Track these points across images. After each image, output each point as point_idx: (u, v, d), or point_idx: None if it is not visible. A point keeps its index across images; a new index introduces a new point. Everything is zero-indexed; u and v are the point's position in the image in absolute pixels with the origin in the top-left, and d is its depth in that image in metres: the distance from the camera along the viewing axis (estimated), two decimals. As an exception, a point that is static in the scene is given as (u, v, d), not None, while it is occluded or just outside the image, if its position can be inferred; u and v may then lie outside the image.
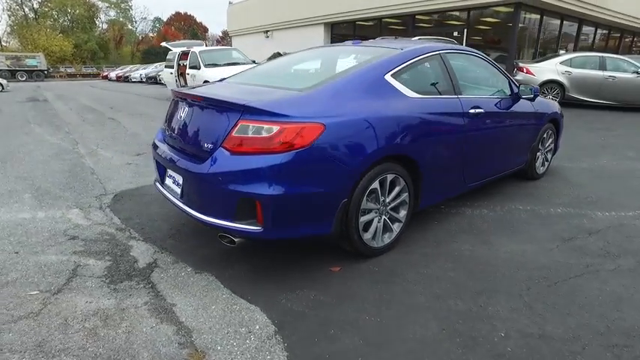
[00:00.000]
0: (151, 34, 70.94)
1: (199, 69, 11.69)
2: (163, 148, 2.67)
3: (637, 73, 9.90)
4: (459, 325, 1.99)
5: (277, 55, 13.49)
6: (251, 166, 2.06)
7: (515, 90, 3.67)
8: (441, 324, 1.99)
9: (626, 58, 10.70)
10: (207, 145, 2.22)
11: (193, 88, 2.96)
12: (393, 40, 3.89)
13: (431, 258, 2.68)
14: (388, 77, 2.60)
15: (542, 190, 4.14)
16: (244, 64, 12.15)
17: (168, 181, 2.62)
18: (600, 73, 10.10)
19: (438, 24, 17.88)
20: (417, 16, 17.87)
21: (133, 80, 28.48)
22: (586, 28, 19.33)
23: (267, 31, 25.19)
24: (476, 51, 3.56)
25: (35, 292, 2.23)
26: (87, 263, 2.56)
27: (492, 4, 14.99)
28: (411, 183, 2.68)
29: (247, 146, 2.10)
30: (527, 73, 11.06)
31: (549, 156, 4.55)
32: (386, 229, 2.65)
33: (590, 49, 19.11)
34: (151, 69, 27.05)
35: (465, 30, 15.73)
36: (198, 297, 2.20)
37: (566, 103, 10.01)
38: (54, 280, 2.35)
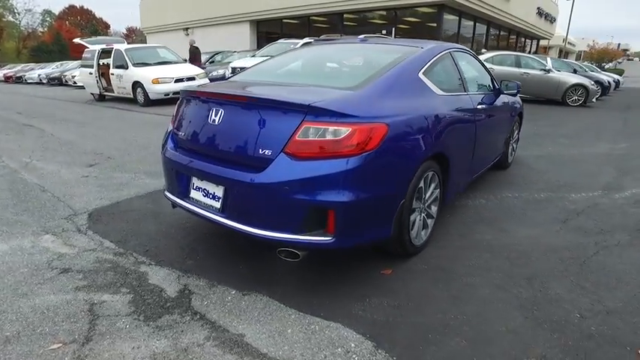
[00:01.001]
0: (40, 30, 62.62)
1: (127, 68, 10.62)
2: (184, 156, 2.32)
3: (544, 70, 11.30)
4: (536, 312, 2.05)
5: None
6: (322, 172, 1.89)
7: (497, 86, 3.91)
8: (521, 313, 2.03)
9: (535, 57, 12.17)
10: (264, 152, 1.97)
11: (218, 86, 2.62)
12: (348, 38, 3.92)
13: (466, 251, 2.72)
14: (421, 75, 2.58)
15: (517, 177, 4.49)
16: (176, 63, 11.34)
17: (195, 194, 2.28)
18: (517, 69, 11.34)
19: (364, 23, 18.53)
20: (345, 15, 18.30)
21: (28, 81, 24.82)
22: (492, 30, 21.61)
23: (187, 29, 23.82)
24: (468, 49, 3.72)
25: (57, 346, 1.78)
26: (102, 300, 2.12)
27: (418, 5, 15.96)
28: (441, 180, 2.71)
29: (314, 150, 1.90)
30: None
31: (515, 146, 4.96)
32: (424, 226, 2.64)
33: (495, 48, 21.40)
34: (52, 68, 23.83)
35: (393, 29, 16.51)
36: (265, 322, 1.95)
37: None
38: (73, 327, 1.90)
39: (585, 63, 22.58)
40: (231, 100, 2.15)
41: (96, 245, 2.74)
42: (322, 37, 9.74)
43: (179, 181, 2.37)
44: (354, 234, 2.03)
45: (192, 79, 10.37)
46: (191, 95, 2.42)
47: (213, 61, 15.51)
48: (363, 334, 1.87)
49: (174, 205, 2.62)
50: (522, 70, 11.30)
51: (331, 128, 1.91)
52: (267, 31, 21.39)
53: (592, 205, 3.64)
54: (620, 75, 23.52)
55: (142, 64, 10.53)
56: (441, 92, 2.71)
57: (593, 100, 11.39)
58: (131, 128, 7.20)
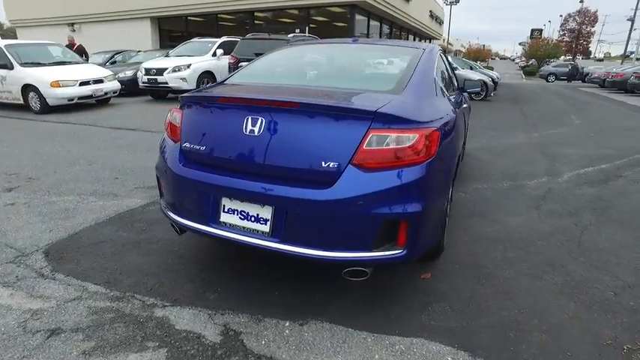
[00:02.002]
0: None
1: (12, 69, 8.89)
2: (207, 173, 1.95)
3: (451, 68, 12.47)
4: (579, 295, 2.20)
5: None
6: (394, 183, 1.75)
7: (461, 85, 4.15)
8: (568, 299, 2.16)
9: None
10: (329, 164, 1.74)
11: (237, 90, 2.30)
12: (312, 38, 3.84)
13: (478, 245, 2.82)
14: (435, 77, 2.58)
15: (473, 169, 4.84)
16: (77, 63, 9.89)
17: (229, 218, 1.93)
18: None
19: (274, 21, 18.34)
20: (255, 13, 17.89)
21: None
22: (394, 31, 23.17)
23: (72, 24, 20.89)
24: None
25: None
26: (129, 362, 1.69)
27: (330, 4, 16.30)
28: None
29: (383, 160, 1.75)
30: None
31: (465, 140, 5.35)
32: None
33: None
34: None
35: (307, 28, 16.63)
36: (345, 352, 1.75)
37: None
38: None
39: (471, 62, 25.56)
40: (277, 107, 1.86)
41: (78, 292, 2.18)
42: (248, 35, 9.37)
43: (201, 203, 1.99)
44: (421, 244, 1.94)
45: (99, 81, 9.09)
46: (205, 101, 2.06)
47: (114, 62, 13.85)
48: (450, 344, 1.79)
49: (183, 231, 2.22)
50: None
51: (399, 135, 1.78)
52: (171, 29, 19.88)
53: (548, 191, 4.08)
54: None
55: (34, 63, 8.86)
56: (446, 93, 2.76)
57: (492, 94, 12.93)
58: (38, 140, 6.01)
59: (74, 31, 20.42)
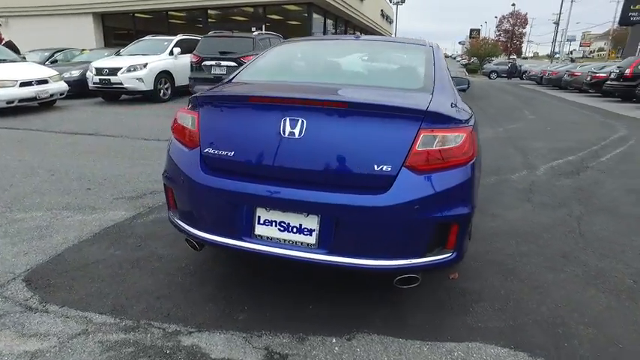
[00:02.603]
0: None
1: None
2: (236, 181, 1.75)
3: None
4: (603, 285, 2.26)
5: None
6: (447, 185, 1.68)
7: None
8: (595, 289, 2.21)
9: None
10: (382, 168, 1.62)
11: (270, 89, 2.12)
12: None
13: (489, 241, 2.84)
14: (450, 74, 2.54)
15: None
16: (13, 61, 8.95)
17: (265, 230, 1.74)
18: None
19: (227, 19, 17.80)
20: (209, 11, 17.25)
21: None
22: (349, 30, 23.41)
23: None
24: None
25: None
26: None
27: (286, 2, 16.09)
28: None
29: (435, 161, 1.67)
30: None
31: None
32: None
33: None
34: None
35: (263, 26, 16.29)
36: (407, 366, 1.64)
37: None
38: None
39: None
40: (320, 107, 1.70)
41: (81, 324, 1.88)
42: (210, 33, 8.95)
43: (230, 215, 1.78)
44: (466, 245, 1.88)
45: (43, 82, 8.26)
46: (231, 101, 1.85)
47: (55, 61, 12.67)
48: (506, 346, 1.76)
49: (202, 246, 2.00)
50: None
51: (446, 135, 1.70)
52: (116, 26, 18.61)
53: (532, 183, 4.25)
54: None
55: (-38, 62, 7.88)
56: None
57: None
58: (-21, 150, 5.30)
59: (0, 25, 18.47)
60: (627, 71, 12.93)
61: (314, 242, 1.70)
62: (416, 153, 1.65)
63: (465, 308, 2.04)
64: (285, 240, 1.74)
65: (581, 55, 68.59)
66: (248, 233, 1.77)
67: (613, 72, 13.72)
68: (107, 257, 2.49)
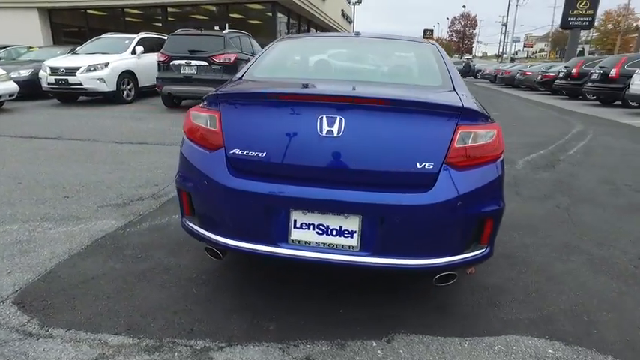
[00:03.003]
0: None
1: None
2: (269, 184, 1.65)
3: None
4: (609, 272, 2.37)
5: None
6: (484, 181, 1.70)
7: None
8: (605, 277, 2.32)
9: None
10: (424, 165, 1.60)
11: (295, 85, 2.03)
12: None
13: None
14: None
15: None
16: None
17: (302, 235, 1.66)
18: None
19: (187, 17, 17.21)
20: (169, 9, 16.58)
21: None
22: (311, 30, 23.42)
23: None
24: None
25: None
26: None
27: (249, 1, 15.79)
28: None
29: (471, 158, 1.68)
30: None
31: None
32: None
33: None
34: None
35: (227, 25, 15.87)
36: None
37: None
38: None
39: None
40: (359, 104, 1.64)
41: (96, 348, 1.70)
42: (178, 31, 8.56)
43: (263, 219, 1.68)
44: (496, 239, 1.90)
45: (-11, 82, 7.56)
46: (259, 98, 1.75)
47: (-1, 59, 11.66)
48: (542, 336, 1.80)
49: (224, 253, 1.88)
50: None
51: (479, 132, 1.71)
52: (66, 23, 17.41)
53: (515, 177, 4.42)
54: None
55: None
56: None
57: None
58: None
59: None
60: (574, 71, 13.93)
61: (356, 244, 1.64)
62: (455, 150, 1.64)
63: (492, 302, 2.06)
64: (324, 243, 1.66)
65: (525, 56, 73.02)
66: (283, 238, 1.68)
67: (561, 71, 14.73)
68: (107, 271, 2.28)
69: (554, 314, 1.96)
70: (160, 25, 15.87)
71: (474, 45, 79.59)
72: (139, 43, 9.83)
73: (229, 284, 2.19)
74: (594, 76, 13.21)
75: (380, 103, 1.65)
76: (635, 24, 52.20)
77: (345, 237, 1.65)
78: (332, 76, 2.32)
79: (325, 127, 1.63)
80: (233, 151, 1.73)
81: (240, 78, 2.23)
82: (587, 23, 24.09)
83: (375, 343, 1.75)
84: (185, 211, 1.97)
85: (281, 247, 1.68)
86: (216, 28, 15.75)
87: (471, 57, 53.57)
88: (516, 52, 78.80)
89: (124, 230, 2.81)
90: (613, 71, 12.69)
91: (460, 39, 74.80)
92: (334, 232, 1.65)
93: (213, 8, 16.66)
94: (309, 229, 1.66)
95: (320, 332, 1.81)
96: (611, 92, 11.77)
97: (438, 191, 1.59)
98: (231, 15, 17.12)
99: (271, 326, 1.86)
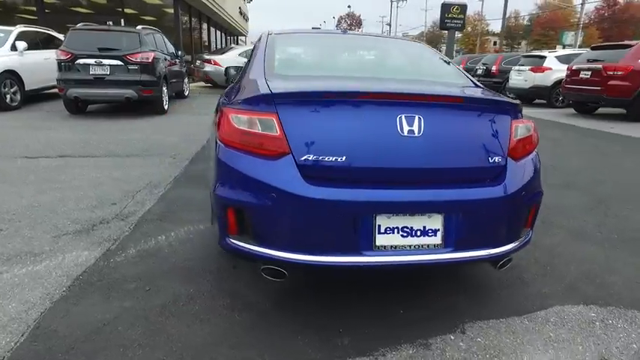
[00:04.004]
0: None
1: None
2: (352, 190, 1.54)
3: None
4: (617, 265, 2.66)
5: None
6: (534, 170, 1.86)
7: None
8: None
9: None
10: (494, 159, 1.70)
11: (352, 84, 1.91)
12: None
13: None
14: None
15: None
16: None
17: (387, 240, 1.57)
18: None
19: (68, 11, 15.03)
20: (45, 1, 14.18)
21: None
22: (211, 28, 22.39)
23: None
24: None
25: None
26: None
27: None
28: None
29: (522, 149, 1.83)
30: (214, 64, 12.19)
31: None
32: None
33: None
34: None
35: (122, 20, 14.26)
36: (528, 340, 1.73)
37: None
38: None
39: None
40: (434, 103, 1.64)
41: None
42: (79, 25, 7.36)
43: (345, 229, 1.55)
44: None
45: None
46: (330, 98, 1.61)
47: None
48: (581, 303, 2.02)
49: (285, 272, 1.70)
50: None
51: (522, 125, 1.87)
52: None
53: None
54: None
55: None
56: None
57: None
58: None
59: None
60: (493, 68, 14.01)
61: (440, 242, 1.64)
62: (514, 142, 1.77)
63: (521, 280, 2.24)
64: (409, 246, 1.62)
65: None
66: (369, 246, 1.59)
67: (480, 69, 14.60)
68: (119, 313, 1.88)
69: (582, 284, 2.21)
70: (36, 18, 13.44)
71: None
72: (19, 37, 8.24)
73: (269, 305, 1.99)
74: (479, 72, 15.02)
75: (457, 101, 1.68)
76: (486, 28, 63.34)
77: (429, 236, 1.63)
78: (364, 73, 2.27)
79: (406, 127, 1.59)
80: (304, 157, 1.56)
81: (263, 76, 1.98)
82: (460, 25, 27.59)
83: (452, 337, 1.77)
84: (230, 229, 1.72)
85: (366, 256, 1.59)
86: (110, 23, 14.10)
87: None
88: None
89: (106, 261, 2.35)
90: (494, 68, 14.69)
91: (347, 37, 78.89)
92: (418, 233, 1.62)
93: (104, 1, 14.77)
94: (393, 232, 1.60)
95: (396, 337, 1.76)
96: (494, 86, 13.40)
97: (509, 183, 1.69)
98: (125, 10, 15.37)
99: (345, 340, 1.75)
